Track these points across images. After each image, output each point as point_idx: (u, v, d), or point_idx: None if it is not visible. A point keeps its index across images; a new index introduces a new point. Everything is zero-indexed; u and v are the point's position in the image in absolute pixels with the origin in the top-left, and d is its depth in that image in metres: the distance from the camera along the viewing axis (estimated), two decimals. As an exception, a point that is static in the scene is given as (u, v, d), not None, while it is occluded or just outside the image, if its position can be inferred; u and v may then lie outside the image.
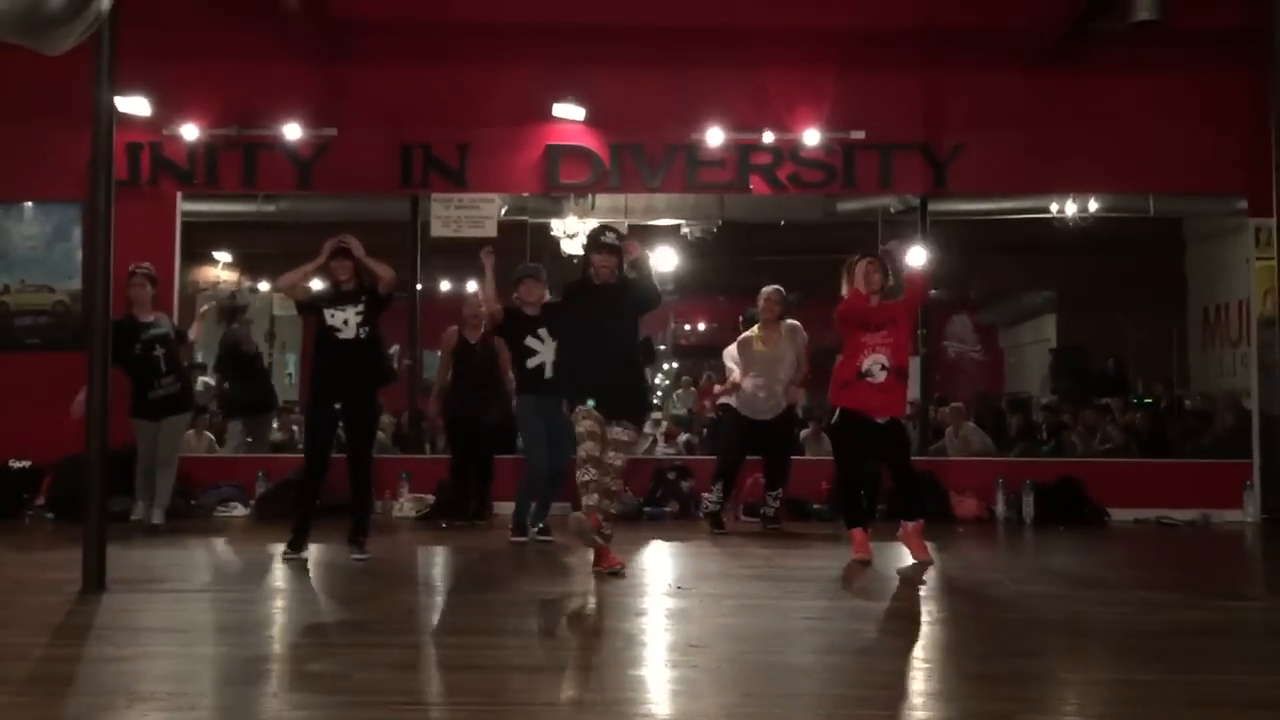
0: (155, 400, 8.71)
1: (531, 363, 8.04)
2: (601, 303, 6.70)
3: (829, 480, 9.42)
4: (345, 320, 7.18)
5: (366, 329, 7.19)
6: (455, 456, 9.23)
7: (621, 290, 6.76)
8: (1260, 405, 10.31)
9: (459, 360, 8.97)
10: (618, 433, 6.58)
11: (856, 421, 7.18)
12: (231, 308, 11.48)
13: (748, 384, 8.88)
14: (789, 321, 9.00)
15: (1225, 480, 10.10)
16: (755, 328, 9.02)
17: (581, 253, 7.10)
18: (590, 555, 6.74)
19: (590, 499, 6.47)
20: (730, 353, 9.18)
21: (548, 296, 7.94)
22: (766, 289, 8.98)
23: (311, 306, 7.35)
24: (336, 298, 7.26)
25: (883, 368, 7.16)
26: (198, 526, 9.02)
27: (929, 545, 7.22)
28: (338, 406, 7.22)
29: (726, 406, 9.22)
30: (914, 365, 10.86)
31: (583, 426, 6.55)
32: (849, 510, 7.42)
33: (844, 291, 7.36)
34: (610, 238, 6.83)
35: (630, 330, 6.84)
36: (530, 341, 8.03)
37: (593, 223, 11.98)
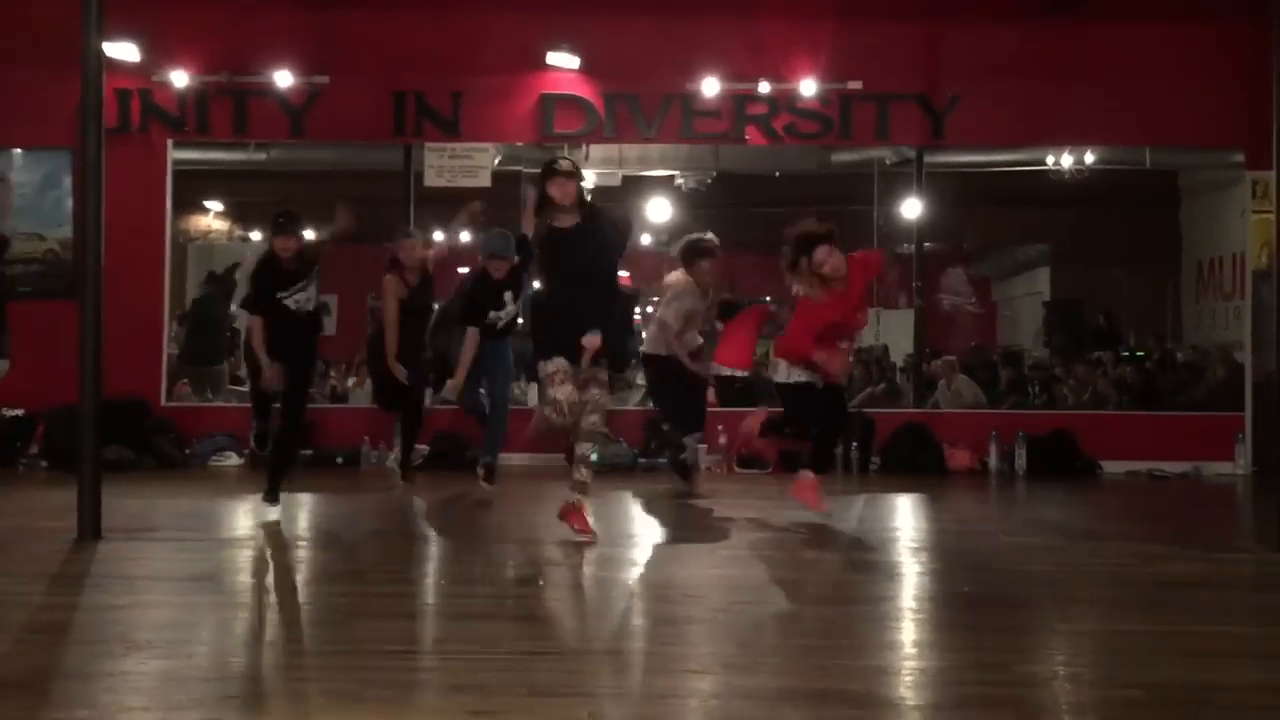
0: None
1: (490, 318, 7.96)
2: (573, 248, 6.16)
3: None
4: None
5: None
6: (384, 406, 8.50)
7: (591, 232, 6.21)
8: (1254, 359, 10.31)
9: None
10: (595, 370, 6.15)
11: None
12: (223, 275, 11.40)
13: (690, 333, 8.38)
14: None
15: (1217, 433, 10.14)
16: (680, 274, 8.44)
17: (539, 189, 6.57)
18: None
19: (580, 471, 6.14)
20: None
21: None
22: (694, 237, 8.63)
23: None
24: None
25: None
26: (193, 475, 9.02)
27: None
28: None
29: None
30: (907, 317, 10.93)
31: (555, 379, 6.08)
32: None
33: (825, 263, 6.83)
34: (565, 164, 6.18)
35: (605, 274, 6.30)
36: (492, 312, 7.95)
37: (589, 174, 11.96)
